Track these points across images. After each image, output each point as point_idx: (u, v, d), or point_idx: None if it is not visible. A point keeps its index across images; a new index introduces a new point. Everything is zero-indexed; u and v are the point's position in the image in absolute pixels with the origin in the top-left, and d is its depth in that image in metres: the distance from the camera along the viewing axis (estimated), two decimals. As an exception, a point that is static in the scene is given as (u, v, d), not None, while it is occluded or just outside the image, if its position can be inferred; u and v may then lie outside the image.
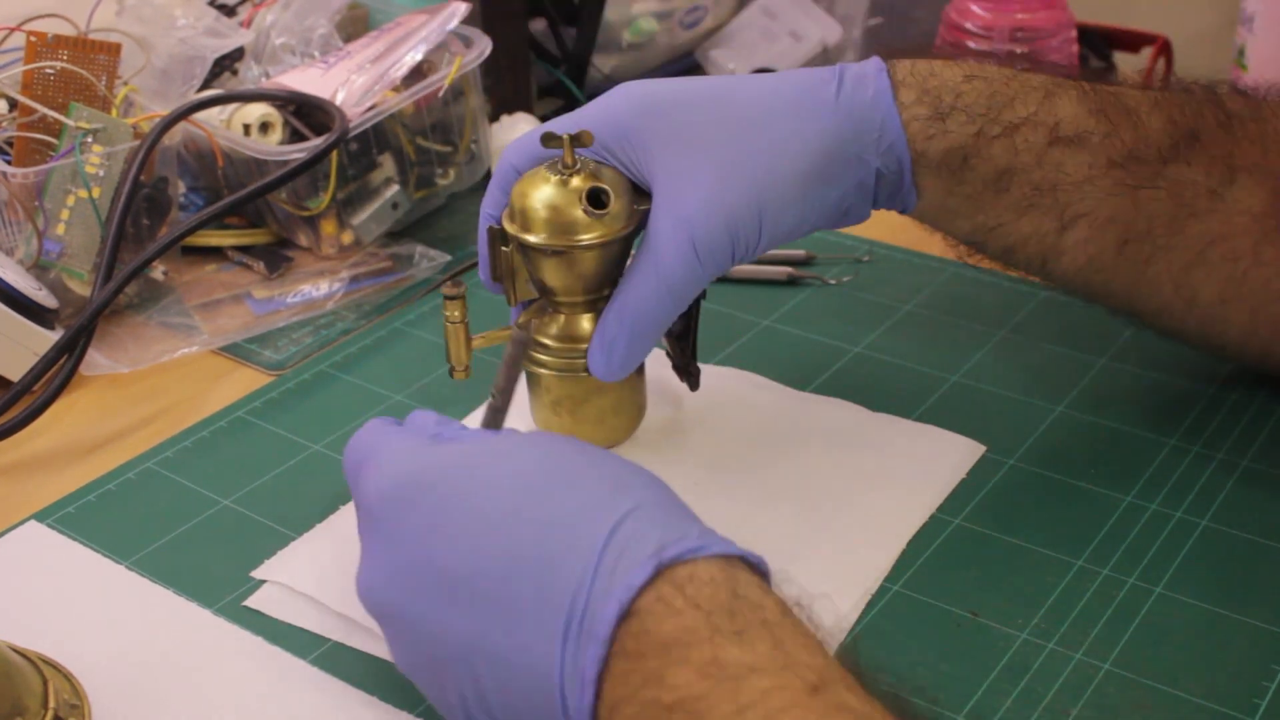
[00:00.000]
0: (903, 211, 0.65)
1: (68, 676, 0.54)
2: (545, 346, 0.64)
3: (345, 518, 0.64)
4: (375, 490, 0.50)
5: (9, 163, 0.79)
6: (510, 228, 0.61)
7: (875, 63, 0.62)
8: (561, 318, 0.63)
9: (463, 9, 0.87)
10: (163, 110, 0.81)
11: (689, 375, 0.67)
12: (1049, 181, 0.61)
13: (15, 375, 0.73)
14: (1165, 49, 1.01)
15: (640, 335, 0.60)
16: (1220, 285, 0.62)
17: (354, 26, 0.95)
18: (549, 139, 0.59)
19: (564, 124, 0.61)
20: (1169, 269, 0.62)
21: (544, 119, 1.01)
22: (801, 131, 0.60)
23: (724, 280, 0.83)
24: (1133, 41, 1.02)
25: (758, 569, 0.45)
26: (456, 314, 0.64)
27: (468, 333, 0.64)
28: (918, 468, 0.65)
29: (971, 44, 0.91)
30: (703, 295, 0.64)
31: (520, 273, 0.63)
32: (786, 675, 0.40)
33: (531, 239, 0.60)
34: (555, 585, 0.43)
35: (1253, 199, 0.61)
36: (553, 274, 0.61)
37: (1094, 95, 0.62)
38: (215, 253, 0.88)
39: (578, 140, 0.59)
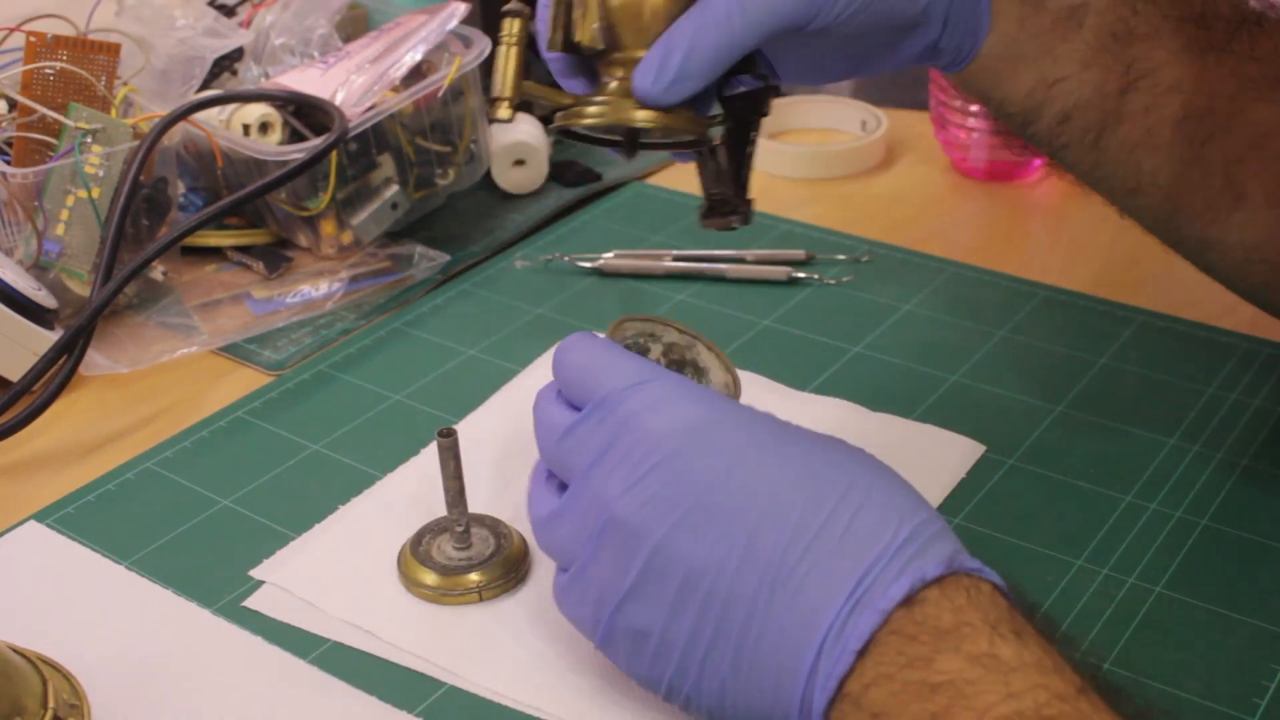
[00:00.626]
0: (970, 52, 0.60)
1: (67, 676, 0.54)
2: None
3: (345, 518, 0.64)
4: (670, 423, 0.48)
5: (8, 163, 0.79)
6: None
7: None
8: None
9: (462, 9, 0.87)
10: (162, 110, 0.81)
11: (737, 211, 0.59)
12: (1122, 27, 0.59)
13: (15, 375, 0.73)
14: (1165, 49, 1.01)
15: (700, 50, 0.53)
16: (1271, 184, 0.60)
17: (353, 27, 0.95)
18: None
19: None
20: (1223, 155, 0.60)
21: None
22: None
23: (724, 280, 0.83)
24: (1132, 41, 1.02)
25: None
26: (515, 30, 0.55)
27: (521, 60, 0.55)
28: (917, 467, 0.65)
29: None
30: (756, 129, 0.58)
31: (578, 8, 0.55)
32: (1056, 677, 0.42)
33: None
34: (853, 552, 0.45)
35: None
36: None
37: None
38: (215, 253, 0.88)
39: None
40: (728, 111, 0.57)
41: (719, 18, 0.53)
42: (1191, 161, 0.60)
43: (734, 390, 0.59)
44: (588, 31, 0.55)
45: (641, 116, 0.54)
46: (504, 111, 0.56)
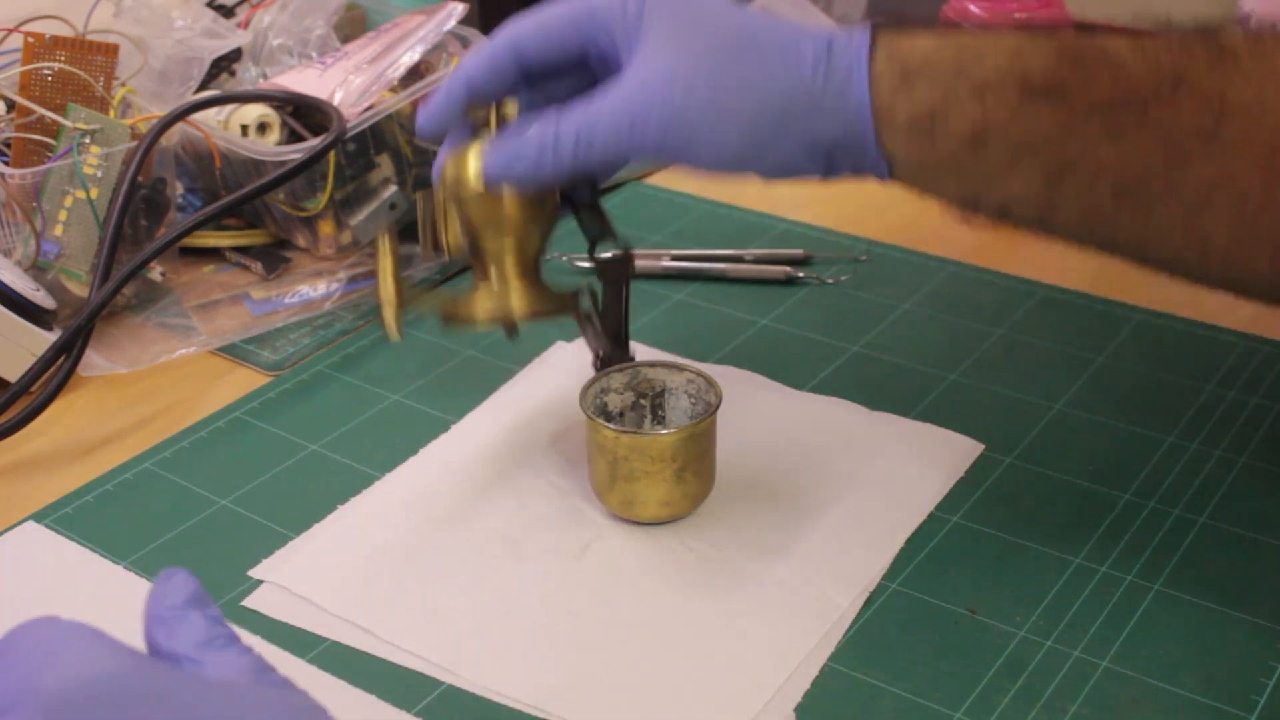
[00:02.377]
0: (881, 179, 0.62)
1: (66, 676, 0.54)
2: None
3: (344, 518, 0.64)
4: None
5: (7, 163, 0.79)
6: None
7: (862, 31, 0.61)
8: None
9: (460, 9, 0.88)
10: (160, 111, 0.81)
11: (619, 361, 0.66)
12: (1027, 137, 0.58)
13: (13, 376, 0.73)
14: (1162, 48, 1.01)
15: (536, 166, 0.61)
16: (1232, 228, 0.58)
17: (351, 27, 0.95)
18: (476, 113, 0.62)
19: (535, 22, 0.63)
20: (1174, 216, 0.59)
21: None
22: (773, 74, 0.60)
23: (723, 280, 0.83)
24: (1130, 40, 1.02)
25: None
26: (387, 246, 0.64)
27: (397, 272, 0.64)
28: (916, 466, 0.66)
29: (969, 43, 0.91)
30: (627, 288, 0.65)
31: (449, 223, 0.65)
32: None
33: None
34: None
35: (1253, 137, 0.57)
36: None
37: (1073, 45, 0.59)
38: (213, 253, 0.88)
39: (502, 110, 0.62)
40: (599, 275, 0.66)
41: (548, 147, 0.60)
42: (1143, 229, 0.60)
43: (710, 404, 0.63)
44: (454, 243, 0.65)
45: (519, 308, 0.63)
46: (394, 335, 0.63)
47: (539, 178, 0.60)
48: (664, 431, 0.61)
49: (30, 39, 0.81)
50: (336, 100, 0.82)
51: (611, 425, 0.61)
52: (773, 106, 0.59)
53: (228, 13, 0.94)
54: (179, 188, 0.86)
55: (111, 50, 0.82)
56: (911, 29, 0.61)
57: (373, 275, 0.83)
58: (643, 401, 0.64)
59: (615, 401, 0.64)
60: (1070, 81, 0.58)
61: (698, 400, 0.63)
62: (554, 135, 0.60)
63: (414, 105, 0.85)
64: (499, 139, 0.61)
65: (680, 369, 0.64)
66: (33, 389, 0.72)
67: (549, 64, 0.63)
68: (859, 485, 0.64)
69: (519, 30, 0.63)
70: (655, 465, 0.60)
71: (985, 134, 0.58)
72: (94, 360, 0.77)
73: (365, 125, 0.82)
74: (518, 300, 0.63)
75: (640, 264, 0.85)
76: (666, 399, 0.64)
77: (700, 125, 0.59)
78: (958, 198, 0.62)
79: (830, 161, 0.61)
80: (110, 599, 0.59)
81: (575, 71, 0.64)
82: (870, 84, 0.59)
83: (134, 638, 0.57)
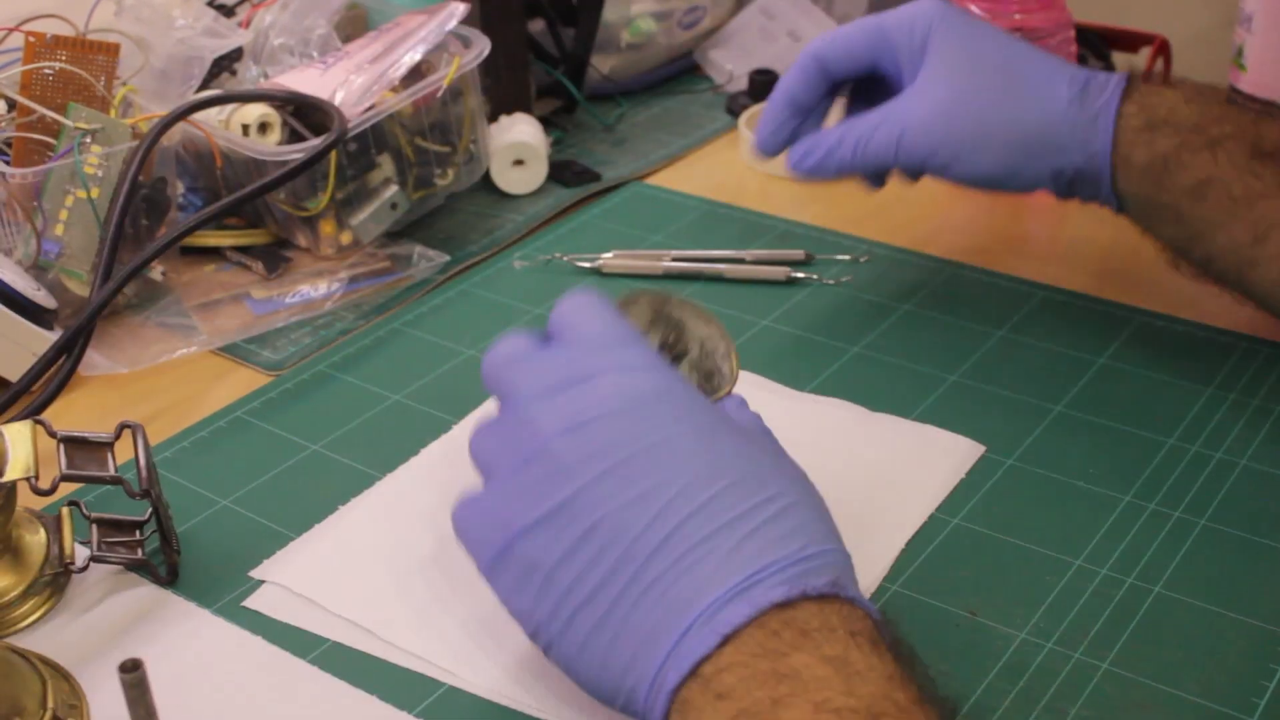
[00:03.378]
0: (1114, 211, 0.72)
1: (66, 677, 0.54)
2: None
3: (345, 518, 0.64)
4: (628, 387, 0.50)
5: (8, 163, 0.79)
6: None
7: (1119, 77, 0.69)
8: None
9: (461, 9, 0.87)
10: (161, 110, 0.81)
11: None
12: (1246, 193, 0.65)
13: (14, 375, 0.73)
14: (1164, 49, 1.01)
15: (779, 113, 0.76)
16: None
17: (352, 27, 0.95)
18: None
19: (871, 17, 0.75)
20: None
21: (543, 119, 1.01)
22: (1029, 107, 0.69)
23: (723, 280, 0.83)
24: (1131, 41, 1.02)
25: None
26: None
27: None
28: (917, 468, 0.66)
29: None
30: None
31: None
32: (900, 689, 0.43)
33: None
34: (753, 552, 0.46)
35: None
36: None
37: None
38: (214, 253, 0.88)
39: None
40: None
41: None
42: None
43: (728, 374, 0.59)
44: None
45: None
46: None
47: (822, 172, 0.74)
48: None
49: (31, 38, 0.81)
50: (338, 100, 0.82)
51: None
52: (1027, 138, 0.69)
53: (229, 12, 0.94)
54: (180, 187, 0.85)
55: (112, 49, 0.82)
56: (1162, 86, 0.69)
57: (377, 275, 0.83)
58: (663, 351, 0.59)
59: (655, 334, 0.59)
60: None
61: (712, 373, 0.60)
62: (838, 139, 0.73)
63: (415, 105, 0.85)
64: (803, 139, 0.74)
65: (708, 321, 0.60)
66: (33, 388, 0.72)
67: (846, 75, 0.75)
68: (860, 486, 0.64)
69: (821, 46, 0.74)
70: None
71: (1209, 185, 0.65)
72: (95, 360, 0.77)
73: (366, 125, 0.82)
74: None
75: (640, 264, 0.85)
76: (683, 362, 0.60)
77: (962, 150, 0.70)
78: (1172, 243, 0.70)
79: (1070, 188, 0.71)
80: (110, 599, 0.59)
81: (868, 82, 0.75)
82: (1116, 128, 0.68)
83: (134, 637, 0.57)
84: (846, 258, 0.85)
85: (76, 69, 0.81)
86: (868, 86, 0.76)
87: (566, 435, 0.49)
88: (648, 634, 0.46)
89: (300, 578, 0.60)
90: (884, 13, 0.74)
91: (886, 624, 0.47)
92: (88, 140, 0.78)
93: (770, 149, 0.76)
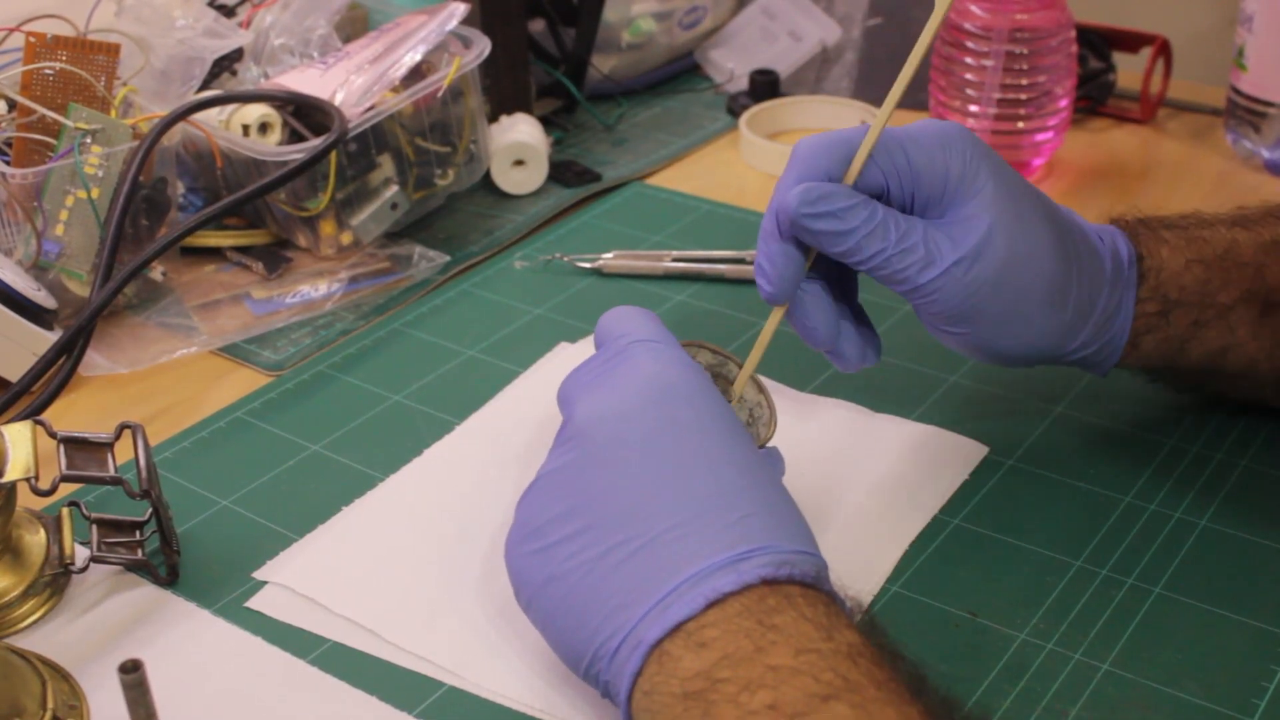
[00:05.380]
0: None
1: (66, 677, 0.54)
2: None
3: (347, 519, 0.64)
4: (644, 371, 0.53)
5: (8, 163, 0.79)
6: None
7: (1126, 244, 0.62)
8: None
9: (461, 9, 0.87)
10: (162, 111, 0.81)
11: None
12: (1264, 350, 0.63)
13: (14, 376, 0.73)
14: (1164, 49, 1.01)
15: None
16: None
17: (353, 27, 0.95)
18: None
19: (892, 137, 0.58)
20: None
21: (543, 120, 1.01)
22: (1077, 289, 0.60)
23: (723, 280, 0.83)
24: (1132, 42, 1.03)
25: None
26: None
27: None
28: (920, 469, 0.65)
29: (970, 44, 0.91)
30: None
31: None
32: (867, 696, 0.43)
33: None
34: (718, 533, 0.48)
35: None
36: None
37: None
38: (214, 253, 0.88)
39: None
40: None
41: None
42: None
43: (768, 413, 0.60)
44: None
45: None
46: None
47: (828, 238, 0.57)
48: None
49: (32, 38, 0.81)
50: (338, 100, 0.82)
51: None
52: (1082, 306, 0.60)
53: (229, 12, 0.94)
54: (180, 187, 0.85)
55: (113, 50, 0.82)
56: (1151, 235, 0.63)
57: (377, 275, 0.83)
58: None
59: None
60: None
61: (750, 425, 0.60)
62: (870, 216, 0.56)
63: (415, 105, 0.85)
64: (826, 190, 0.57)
65: (760, 389, 0.60)
66: (34, 389, 0.72)
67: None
68: (862, 487, 0.64)
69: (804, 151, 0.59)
70: None
71: (1226, 352, 0.63)
72: (95, 360, 0.77)
73: (367, 125, 0.82)
74: None
75: (641, 265, 0.85)
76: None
77: (990, 320, 0.58)
78: (1190, 394, 0.68)
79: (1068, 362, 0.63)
80: (111, 599, 0.59)
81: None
82: (1135, 312, 0.62)
83: (134, 638, 0.57)
84: (847, 258, 0.85)
85: (77, 69, 0.81)
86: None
87: (587, 414, 0.52)
88: (631, 590, 0.47)
89: (304, 578, 0.60)
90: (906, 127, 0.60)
91: (875, 625, 0.49)
92: (88, 140, 0.78)
93: (783, 296, 0.59)
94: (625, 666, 0.47)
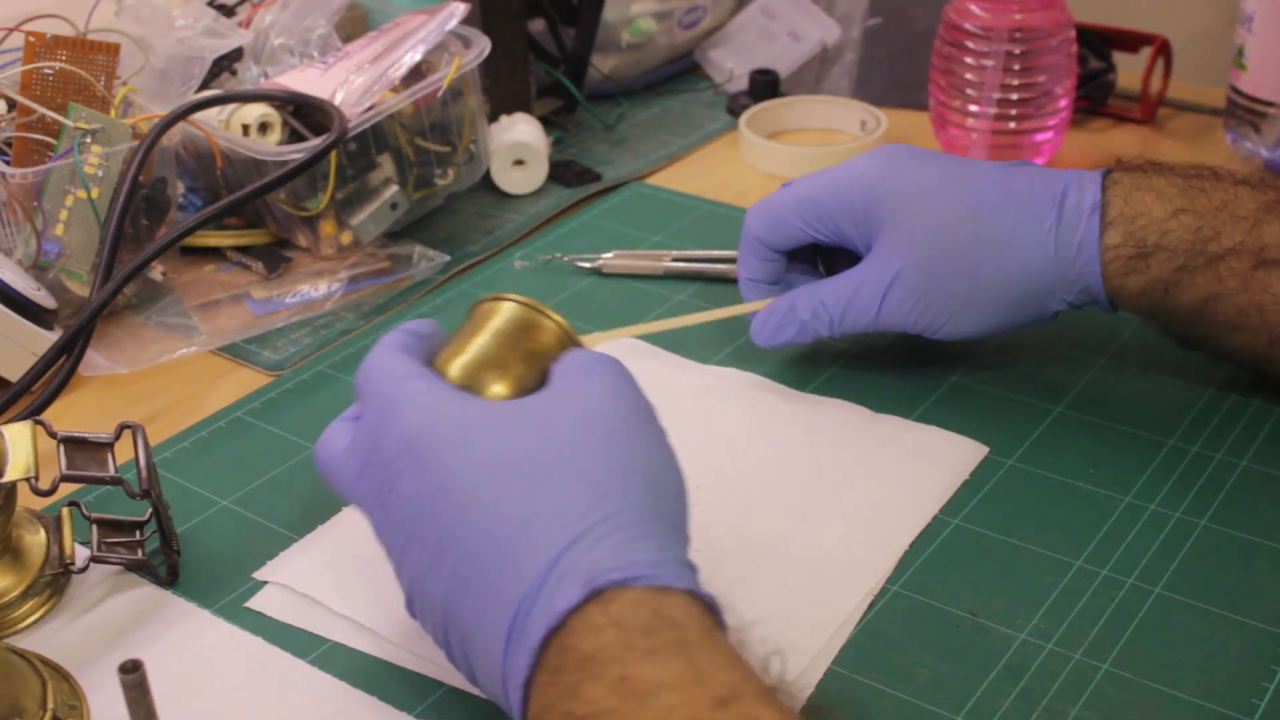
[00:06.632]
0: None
1: (66, 677, 0.54)
2: None
3: (347, 519, 0.64)
4: (397, 438, 0.50)
5: (8, 163, 0.79)
6: None
7: (1093, 196, 0.66)
8: None
9: (461, 9, 0.87)
10: (161, 110, 0.81)
11: None
12: (1255, 304, 0.63)
13: (14, 376, 0.73)
14: (1164, 49, 1.01)
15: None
16: None
17: (353, 27, 0.95)
18: None
19: (810, 183, 0.70)
20: None
21: (543, 119, 1.01)
22: (1007, 265, 0.66)
23: (723, 280, 0.83)
24: (1132, 42, 1.03)
25: (702, 600, 0.45)
26: None
27: None
28: (920, 469, 0.65)
29: (970, 44, 0.91)
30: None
31: None
32: (695, 691, 0.41)
33: None
34: (508, 588, 0.45)
35: None
36: None
37: None
38: (214, 253, 0.88)
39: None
40: None
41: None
42: None
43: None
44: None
45: None
46: None
47: (795, 342, 0.70)
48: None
49: (31, 38, 0.81)
50: (338, 100, 0.82)
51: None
52: (1007, 297, 0.67)
53: (229, 12, 0.94)
54: (180, 187, 0.85)
55: (113, 49, 0.82)
56: (1139, 179, 0.65)
57: (377, 275, 0.83)
58: None
59: None
60: None
61: None
62: (810, 314, 0.69)
63: (415, 105, 0.85)
64: (766, 313, 0.71)
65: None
66: (34, 388, 0.72)
67: (793, 246, 0.72)
68: (862, 488, 0.64)
69: (757, 228, 0.72)
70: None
71: (1215, 300, 0.64)
72: (95, 360, 0.77)
73: (366, 125, 0.82)
74: None
75: (641, 265, 0.85)
76: None
77: (939, 320, 0.68)
78: (1182, 343, 0.69)
79: (1059, 312, 0.68)
80: (111, 599, 0.59)
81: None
82: (1102, 262, 0.65)
83: (134, 638, 0.57)
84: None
85: (76, 69, 0.81)
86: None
87: (380, 505, 0.50)
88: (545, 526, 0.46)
89: (304, 578, 0.60)
90: (818, 178, 0.70)
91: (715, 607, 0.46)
92: (88, 140, 0.78)
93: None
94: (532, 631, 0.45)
